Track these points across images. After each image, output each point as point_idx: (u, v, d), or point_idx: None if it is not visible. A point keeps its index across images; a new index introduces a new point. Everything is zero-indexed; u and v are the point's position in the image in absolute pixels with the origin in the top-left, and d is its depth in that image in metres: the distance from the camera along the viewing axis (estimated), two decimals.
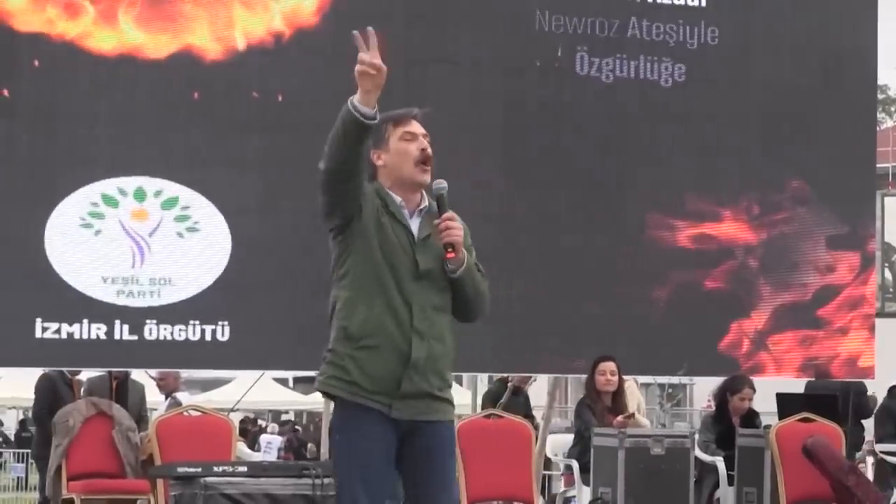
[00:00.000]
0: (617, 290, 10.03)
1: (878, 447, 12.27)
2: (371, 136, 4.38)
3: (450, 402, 4.55)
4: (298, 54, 9.39)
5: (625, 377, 9.53)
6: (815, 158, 10.57)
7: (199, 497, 6.81)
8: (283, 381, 29.70)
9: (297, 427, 30.63)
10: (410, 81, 8.81)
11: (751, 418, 9.55)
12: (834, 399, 9.95)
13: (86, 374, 10.14)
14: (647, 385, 21.55)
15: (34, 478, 15.35)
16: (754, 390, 9.68)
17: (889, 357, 11.57)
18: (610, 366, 9.26)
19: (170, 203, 9.10)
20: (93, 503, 8.90)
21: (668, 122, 10.19)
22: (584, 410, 9.26)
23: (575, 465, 9.17)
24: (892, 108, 41.32)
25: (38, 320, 8.84)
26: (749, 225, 10.36)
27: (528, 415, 11.35)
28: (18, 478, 21.57)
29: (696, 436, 9.25)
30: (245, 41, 9.29)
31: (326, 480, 6.72)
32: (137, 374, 10.17)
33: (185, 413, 8.67)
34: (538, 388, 13.29)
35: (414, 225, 4.51)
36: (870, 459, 12.89)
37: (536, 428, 10.26)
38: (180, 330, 9.05)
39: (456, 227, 4.47)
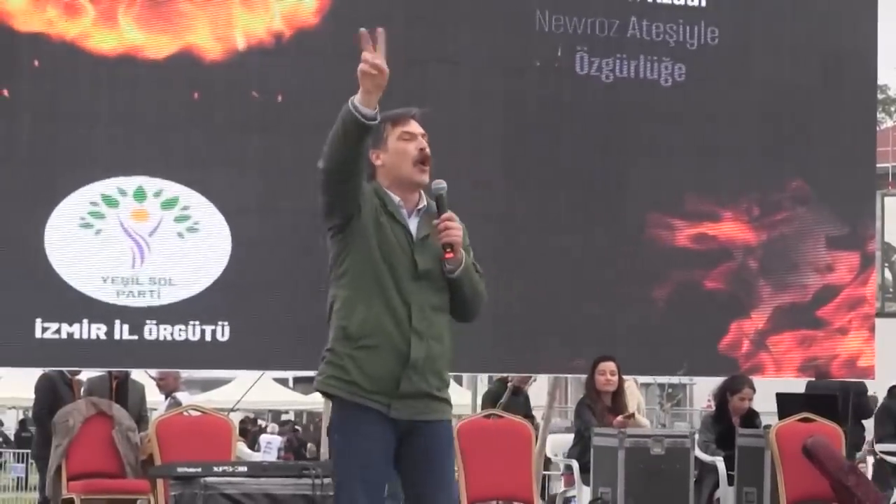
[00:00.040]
0: (617, 290, 10.03)
1: (878, 447, 12.27)
2: (371, 136, 4.38)
3: (448, 401, 4.56)
4: (298, 54, 9.39)
5: (624, 377, 9.53)
6: (815, 158, 10.57)
7: (198, 497, 6.81)
8: (283, 381, 29.71)
9: (296, 427, 30.64)
10: (410, 81, 8.80)
11: (751, 418, 9.56)
12: (834, 399, 9.95)
13: (86, 374, 10.15)
14: (647, 385, 21.56)
15: (34, 478, 15.35)
16: (754, 390, 9.68)
17: (889, 357, 11.57)
18: (610, 366, 9.26)
19: (170, 203, 9.10)
20: (93, 503, 8.90)
21: (668, 122, 10.19)
22: (584, 410, 9.26)
23: (575, 465, 9.17)
24: (892, 108, 41.33)
25: (38, 320, 8.84)
26: (749, 225, 10.36)
27: (528, 415, 11.35)
28: (18, 478, 21.57)
29: (696, 436, 9.25)
30: (245, 41, 9.28)
31: (326, 480, 6.72)
32: (137, 374, 10.17)
33: (185, 413, 8.67)
34: (538, 388, 13.30)
35: (412, 225, 4.51)
36: (870, 459, 12.89)
37: (536, 428, 10.26)
38: (180, 330, 9.05)
39: (455, 228, 4.47)
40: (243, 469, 7.12)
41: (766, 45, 10.48)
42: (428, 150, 4.52)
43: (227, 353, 9.18)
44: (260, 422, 29.53)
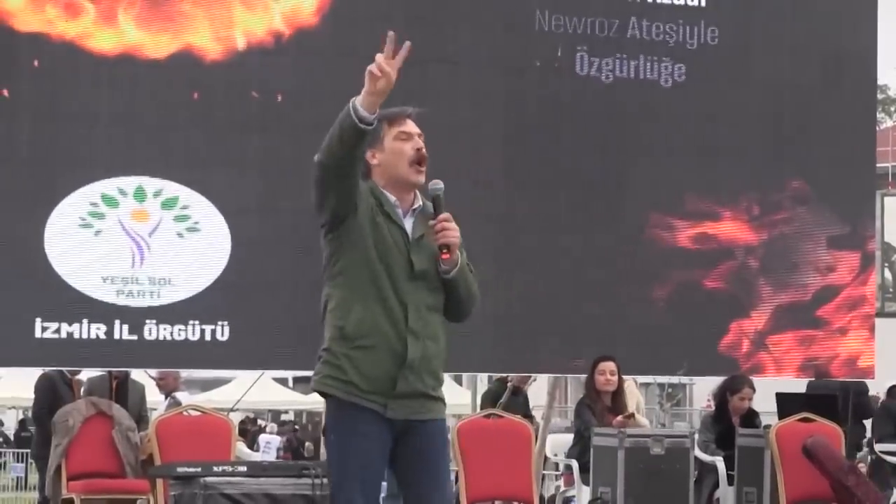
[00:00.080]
0: (617, 290, 10.03)
1: (878, 447, 12.27)
2: (368, 139, 4.37)
3: (442, 400, 4.57)
4: (298, 54, 9.40)
5: (624, 377, 9.53)
6: (815, 158, 10.57)
7: (198, 497, 6.80)
8: (283, 381, 29.70)
9: (296, 427, 30.65)
10: (410, 81, 8.78)
11: (750, 418, 9.55)
12: (834, 399, 9.95)
13: (86, 374, 10.14)
14: (646, 385, 21.56)
15: (34, 477, 15.35)
16: (754, 390, 9.68)
17: (889, 357, 11.57)
18: (610, 366, 9.26)
19: (170, 203, 9.10)
20: (92, 503, 8.89)
21: (667, 122, 10.19)
22: (584, 410, 9.26)
23: (575, 464, 9.17)
24: (892, 108, 41.34)
25: (38, 320, 8.84)
26: (749, 225, 10.36)
27: (528, 415, 11.35)
28: (18, 477, 21.57)
29: (696, 436, 9.25)
30: (245, 41, 9.28)
31: (326, 480, 6.71)
32: (137, 374, 10.17)
33: (185, 413, 8.67)
34: (538, 388, 13.29)
35: (408, 225, 4.51)
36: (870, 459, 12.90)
37: (536, 428, 10.26)
38: (180, 330, 9.05)
39: (452, 229, 4.47)
40: (243, 469, 7.12)
41: (766, 45, 10.48)
42: (424, 150, 4.52)
43: (227, 352, 9.18)
44: (260, 422, 29.55)
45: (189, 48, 9.16)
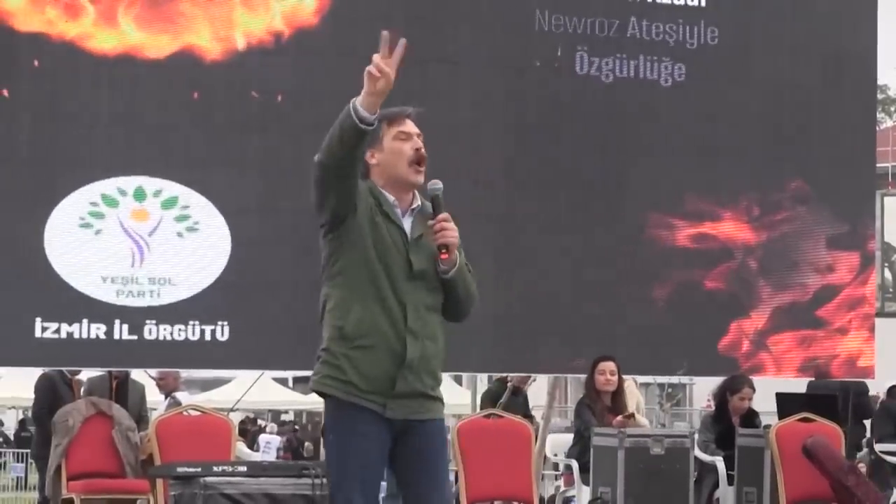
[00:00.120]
0: (617, 290, 10.04)
1: (878, 447, 12.27)
2: (368, 139, 4.37)
3: (441, 400, 4.58)
4: (298, 54, 9.40)
5: (623, 377, 9.53)
6: (815, 158, 10.57)
7: (198, 497, 6.80)
8: (283, 381, 29.71)
9: (296, 427, 30.65)
10: (410, 81, 8.78)
11: (750, 418, 9.55)
12: (833, 399, 9.95)
13: (86, 374, 10.14)
14: (646, 385, 21.57)
15: (34, 477, 15.35)
16: (754, 390, 9.68)
17: (889, 357, 11.57)
18: (609, 365, 9.26)
19: (169, 203, 9.10)
20: (92, 503, 8.89)
21: (667, 122, 10.19)
22: (584, 410, 9.26)
23: (574, 464, 9.17)
24: (892, 108, 41.34)
25: (38, 320, 8.84)
26: (749, 225, 10.36)
27: (527, 415, 11.35)
28: (18, 477, 21.57)
29: (696, 435, 9.25)
30: (245, 41, 9.29)
31: (325, 480, 6.71)
32: (137, 374, 10.17)
33: (185, 413, 8.66)
34: (538, 388, 13.29)
35: (406, 224, 4.51)
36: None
37: (536, 428, 10.26)
38: (180, 330, 9.05)
39: (451, 229, 4.47)
40: (243, 469, 7.12)
41: (766, 45, 10.48)
42: (423, 150, 4.51)
43: (227, 352, 9.18)
44: (260, 422, 29.55)
45: (189, 48, 9.16)
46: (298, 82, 9.38)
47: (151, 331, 8.99)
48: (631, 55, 10.10)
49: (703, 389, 24.88)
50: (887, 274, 19.75)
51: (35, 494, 12.43)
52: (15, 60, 8.94)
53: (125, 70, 9.05)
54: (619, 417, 9.00)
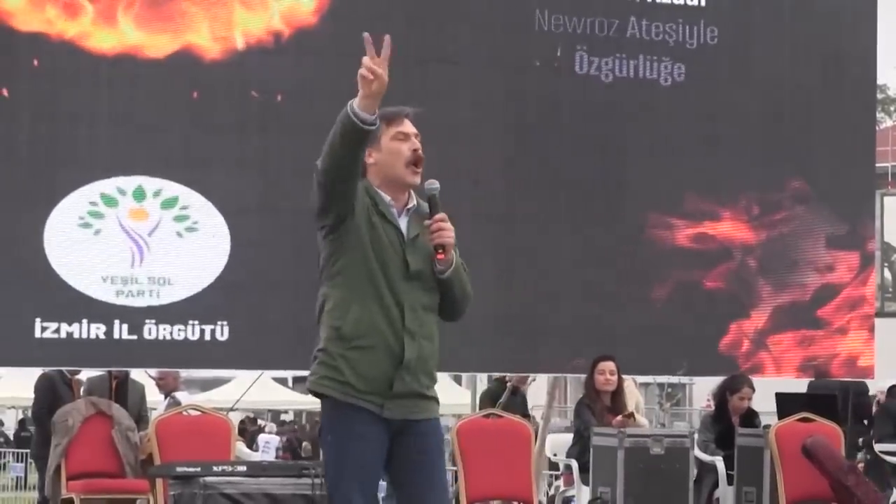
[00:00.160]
0: (617, 290, 10.03)
1: (878, 447, 12.27)
2: (369, 139, 4.37)
3: (436, 399, 4.57)
4: (298, 54, 9.39)
5: (623, 377, 9.52)
6: (815, 158, 10.57)
7: (198, 497, 6.80)
8: (283, 381, 29.70)
9: (295, 427, 30.64)
10: (410, 81, 8.80)
11: (750, 418, 9.55)
12: (833, 399, 9.95)
13: (85, 374, 10.14)
14: (646, 385, 21.55)
15: (33, 477, 15.34)
16: (754, 390, 9.67)
17: (889, 357, 11.57)
18: (609, 365, 9.25)
19: (169, 203, 9.10)
20: (92, 503, 8.89)
21: (667, 122, 10.19)
22: (584, 410, 9.25)
23: (574, 464, 9.16)
24: (892, 108, 41.33)
25: (38, 320, 8.84)
26: (749, 224, 10.36)
27: (526, 414, 11.35)
28: (18, 477, 21.55)
29: (696, 435, 9.25)
30: (244, 41, 9.28)
31: (323, 481, 6.71)
32: (137, 374, 10.16)
33: (185, 413, 8.66)
34: (537, 388, 13.29)
35: (402, 224, 4.51)
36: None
37: (535, 428, 10.26)
38: (179, 330, 9.05)
39: (448, 229, 4.47)
40: (242, 469, 7.12)
41: (766, 44, 10.48)
42: (421, 150, 4.51)
43: (227, 352, 9.18)
44: (260, 422, 29.55)
45: (188, 48, 9.16)
46: (298, 82, 9.38)
47: (151, 331, 8.99)
48: (631, 55, 10.10)
49: (702, 389, 24.88)
50: (887, 274, 19.78)
51: (35, 494, 12.42)
52: (14, 60, 8.94)
53: (125, 69, 9.05)
54: (619, 417, 9.00)
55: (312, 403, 26.99)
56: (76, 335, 8.87)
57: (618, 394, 9.31)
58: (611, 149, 10.09)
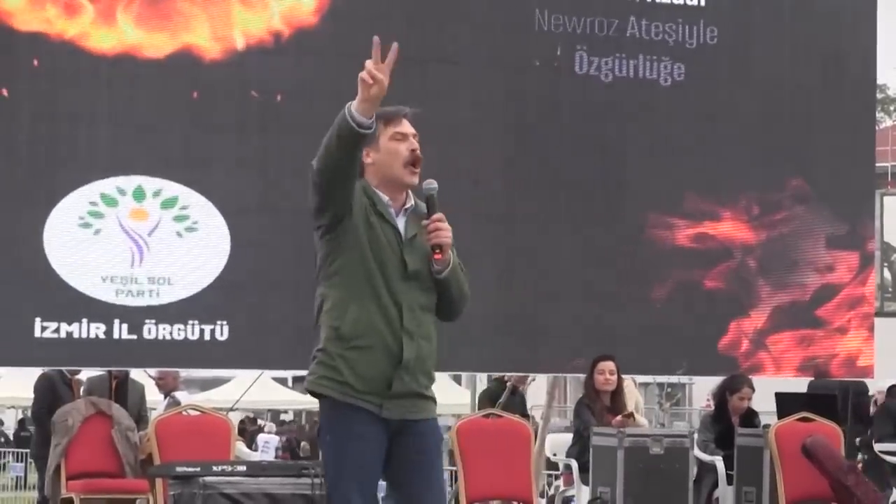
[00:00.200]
0: (617, 290, 10.03)
1: (878, 447, 12.27)
2: (365, 142, 4.37)
3: (434, 399, 4.57)
4: (297, 54, 9.39)
5: (623, 376, 9.52)
6: (815, 158, 10.57)
7: (198, 496, 6.80)
8: (283, 381, 29.70)
9: (295, 427, 30.62)
10: (410, 81, 8.80)
11: (750, 418, 9.55)
12: (833, 399, 9.95)
13: (85, 374, 10.14)
14: (646, 385, 21.57)
15: (33, 477, 15.34)
16: (753, 390, 9.68)
17: (888, 357, 11.58)
18: (609, 365, 9.25)
19: (169, 203, 9.10)
20: (92, 502, 8.89)
21: (667, 122, 10.19)
22: (583, 410, 9.26)
23: (574, 464, 9.17)
24: (892, 108, 41.33)
25: (38, 320, 8.84)
26: (748, 224, 10.37)
27: (524, 414, 11.34)
28: (17, 477, 21.54)
29: (696, 435, 9.25)
30: (244, 41, 9.28)
31: (322, 481, 6.71)
32: (137, 374, 10.16)
33: (184, 412, 8.66)
34: (537, 388, 13.30)
35: (400, 224, 4.51)
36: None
37: (535, 427, 10.26)
38: (179, 329, 9.05)
39: (445, 229, 4.47)
40: (242, 469, 7.12)
41: (766, 44, 10.49)
42: (419, 151, 4.51)
43: (226, 352, 9.18)
44: (259, 421, 29.55)
45: (188, 48, 9.16)
46: (298, 82, 9.38)
47: (151, 330, 8.99)
48: (630, 55, 10.10)
49: (702, 389, 24.89)
50: (886, 273, 19.78)
51: (34, 494, 12.42)
52: (14, 60, 8.94)
53: (124, 69, 9.05)
54: (619, 417, 9.00)
55: (312, 403, 26.87)
56: (76, 335, 8.87)
57: (617, 394, 9.32)
58: (611, 149, 10.09)
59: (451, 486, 8.26)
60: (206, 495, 6.80)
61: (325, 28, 9.38)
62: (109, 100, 9.10)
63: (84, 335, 8.88)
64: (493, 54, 9.82)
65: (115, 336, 8.92)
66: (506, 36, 9.86)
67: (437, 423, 4.64)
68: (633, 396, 10.91)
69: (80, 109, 9.05)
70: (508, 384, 11.84)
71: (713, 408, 10.05)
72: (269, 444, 19.93)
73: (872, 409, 13.56)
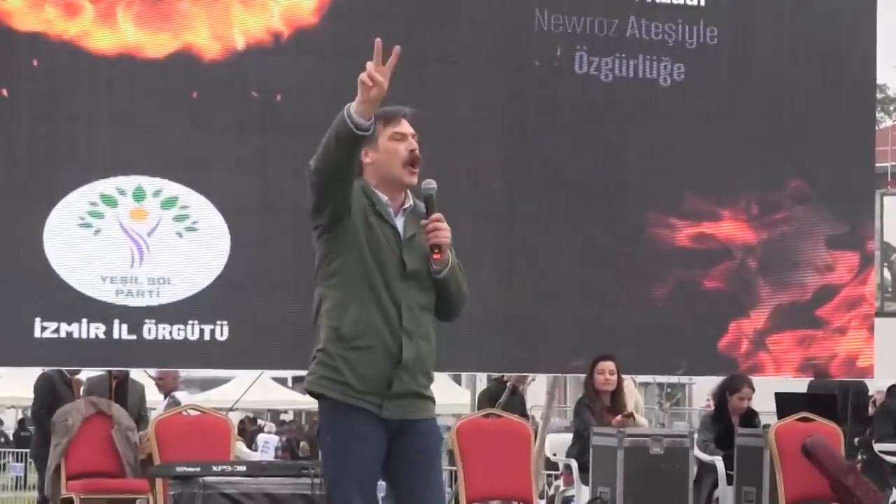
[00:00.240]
0: (616, 290, 10.03)
1: (878, 447, 12.27)
2: (364, 143, 4.37)
3: (433, 399, 4.58)
4: (297, 54, 9.39)
5: (623, 376, 9.52)
6: (815, 158, 10.57)
7: (197, 496, 6.81)
8: (282, 381, 29.71)
9: (294, 427, 30.62)
10: (410, 81, 8.80)
11: (750, 418, 9.55)
12: (833, 399, 9.95)
13: (85, 374, 10.14)
14: (646, 385, 21.58)
15: (33, 477, 15.34)
16: (753, 390, 9.68)
17: (888, 357, 11.57)
18: (609, 365, 9.26)
19: (169, 203, 9.10)
20: (92, 502, 8.89)
21: (667, 122, 10.19)
22: (583, 410, 9.26)
23: (574, 464, 9.17)
24: (891, 108, 41.34)
25: (38, 320, 8.84)
26: (748, 224, 10.36)
27: (524, 414, 11.34)
28: (17, 477, 21.55)
29: (695, 435, 9.25)
30: (244, 40, 9.28)
31: (322, 481, 6.71)
32: (137, 374, 10.17)
33: (184, 412, 8.67)
34: (537, 388, 13.30)
35: (399, 224, 4.51)
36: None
37: (535, 427, 10.26)
38: (179, 329, 9.05)
39: (444, 229, 4.47)
40: (242, 469, 7.13)
41: (766, 44, 10.48)
42: (418, 151, 4.51)
43: (226, 352, 9.18)
44: (259, 421, 29.56)
45: (188, 47, 9.16)
46: (298, 82, 9.38)
47: (151, 330, 8.99)
48: (630, 55, 10.10)
49: (702, 389, 24.90)
50: (886, 273, 19.78)
51: (34, 494, 12.43)
52: (14, 60, 8.94)
53: (124, 69, 9.05)
54: (619, 417, 9.00)
55: (312, 403, 26.76)
56: (76, 335, 8.87)
57: (617, 394, 9.32)
58: (610, 149, 10.09)
59: (452, 486, 8.26)
60: (205, 495, 6.80)
61: (324, 28, 9.38)
62: (109, 100, 9.10)
63: (84, 335, 8.88)
64: (493, 54, 9.82)
65: (115, 336, 8.92)
66: (506, 36, 9.86)
67: (436, 422, 4.65)
68: (633, 396, 10.91)
69: (80, 109, 9.05)
70: (508, 384, 11.84)
71: (713, 408, 10.05)
72: (268, 444, 19.93)
73: (871, 410, 13.56)
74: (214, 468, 6.98)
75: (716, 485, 9.34)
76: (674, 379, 20.86)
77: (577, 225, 9.96)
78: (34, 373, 10.45)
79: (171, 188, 9.11)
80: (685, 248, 10.20)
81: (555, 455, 10.04)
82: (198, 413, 8.65)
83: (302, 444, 25.10)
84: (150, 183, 9.08)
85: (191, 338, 9.07)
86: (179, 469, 7.02)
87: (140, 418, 9.59)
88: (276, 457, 19.50)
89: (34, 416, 10.67)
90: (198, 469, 6.94)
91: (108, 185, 9.01)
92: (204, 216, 9.14)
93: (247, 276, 9.19)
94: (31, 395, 10.33)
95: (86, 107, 9.06)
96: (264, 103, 9.34)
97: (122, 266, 8.98)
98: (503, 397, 11.61)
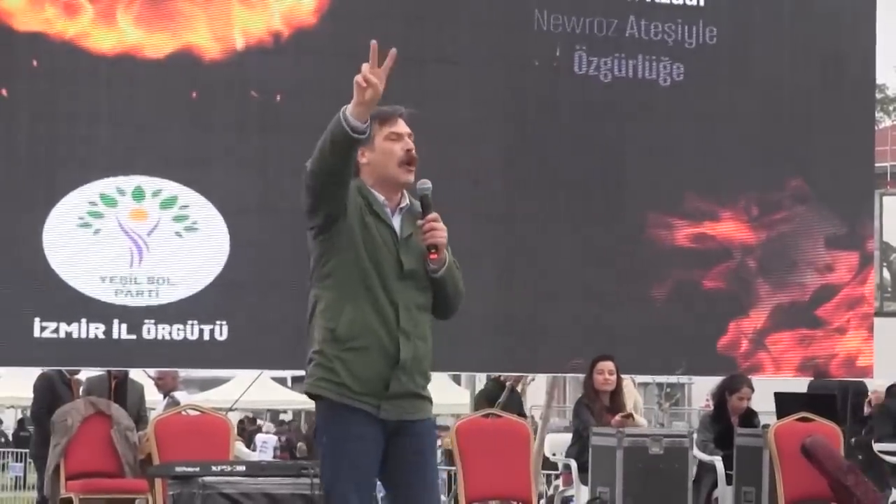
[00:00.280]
0: (616, 290, 10.03)
1: (878, 447, 12.27)
2: (360, 145, 4.37)
3: (430, 399, 4.58)
4: (297, 54, 9.39)
5: (622, 376, 9.53)
6: (814, 158, 10.57)
7: (197, 496, 6.81)
8: (282, 381, 29.71)
9: (292, 427, 30.62)
10: (410, 81, 8.81)
11: (749, 418, 9.56)
12: (833, 399, 9.95)
13: (84, 374, 10.14)
14: (645, 385, 21.57)
15: (32, 477, 15.36)
16: (753, 390, 9.68)
17: (888, 357, 11.58)
18: (608, 365, 9.26)
19: (168, 203, 9.10)
20: (91, 502, 8.89)
21: (666, 122, 10.19)
22: (583, 410, 9.26)
23: (573, 464, 9.17)
24: (891, 108, 41.36)
25: (37, 319, 8.83)
26: (748, 224, 10.37)
27: (521, 414, 11.34)
28: (17, 477, 21.57)
29: (695, 435, 9.25)
30: (244, 40, 9.28)
31: (319, 481, 6.71)
32: (136, 374, 10.16)
33: (184, 412, 8.67)
34: (537, 388, 13.29)
35: (396, 224, 4.51)
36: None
37: (534, 427, 10.26)
38: (178, 329, 9.05)
39: (440, 229, 4.47)
40: (241, 468, 7.13)
41: (766, 44, 10.48)
42: (414, 150, 4.51)
43: (226, 352, 9.18)
44: (259, 421, 29.56)
45: (188, 47, 9.16)
46: (297, 82, 9.38)
47: (150, 330, 8.99)
48: (629, 55, 10.10)
49: (701, 389, 24.88)
50: (886, 273, 19.78)
51: (34, 494, 12.43)
52: (13, 60, 8.94)
53: (124, 69, 9.05)
54: (618, 417, 9.01)
55: (311, 403, 26.84)
56: (75, 335, 8.87)
57: (617, 393, 9.32)
58: (610, 148, 10.09)
59: (451, 486, 8.26)
60: (205, 495, 6.80)
61: (324, 28, 9.38)
62: (109, 100, 9.10)
63: (83, 335, 8.87)
64: (493, 54, 9.82)
65: (115, 336, 8.92)
66: (505, 36, 9.86)
67: (432, 423, 4.65)
68: (633, 396, 10.91)
69: (80, 109, 9.04)
70: (508, 384, 11.83)
71: (712, 408, 10.06)
72: (266, 444, 19.96)
73: (866, 410, 13.56)
74: (214, 468, 6.98)
75: (715, 485, 9.34)
76: (673, 379, 20.84)
77: (577, 225, 9.96)
78: (34, 373, 10.45)
79: (171, 188, 9.11)
80: (685, 248, 10.21)
81: (554, 455, 10.05)
82: (197, 413, 8.65)
83: (300, 444, 25.10)
84: (149, 183, 9.08)
85: (190, 338, 9.07)
86: (179, 469, 7.02)
87: (139, 418, 9.58)
88: (274, 457, 19.54)
89: (33, 416, 10.67)
90: (197, 469, 6.94)
91: (107, 185, 9.01)
92: (203, 216, 9.14)
93: (246, 276, 9.19)
94: (31, 395, 10.33)
95: (85, 107, 9.06)
96: (264, 103, 9.34)
97: (121, 266, 8.98)
98: (503, 397, 11.60)
